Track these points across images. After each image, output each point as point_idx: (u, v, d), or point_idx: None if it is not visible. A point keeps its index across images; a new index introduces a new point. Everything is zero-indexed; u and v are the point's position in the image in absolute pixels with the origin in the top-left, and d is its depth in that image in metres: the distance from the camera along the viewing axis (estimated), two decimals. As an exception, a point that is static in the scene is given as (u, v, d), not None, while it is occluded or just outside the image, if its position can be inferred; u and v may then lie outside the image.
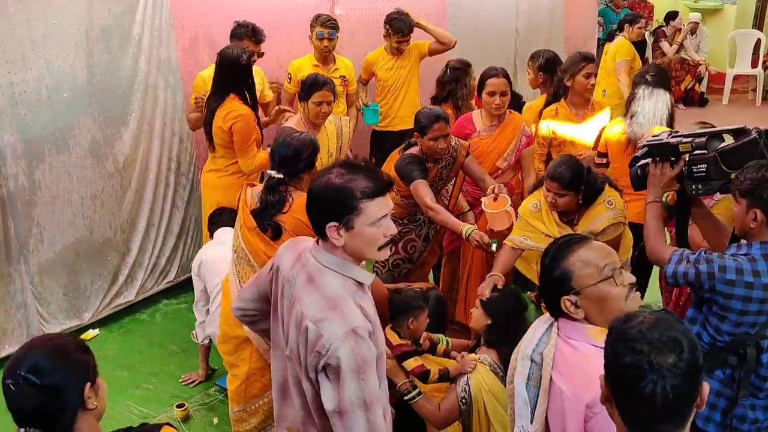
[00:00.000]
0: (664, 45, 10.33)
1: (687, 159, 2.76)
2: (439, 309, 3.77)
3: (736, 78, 10.74)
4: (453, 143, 4.02)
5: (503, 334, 2.92)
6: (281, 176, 3.10)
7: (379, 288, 3.09)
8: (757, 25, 12.02)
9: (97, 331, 4.78)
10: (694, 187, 2.77)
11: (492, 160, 4.22)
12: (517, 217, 3.67)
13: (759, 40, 10.99)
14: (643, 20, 6.88)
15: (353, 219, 2.04)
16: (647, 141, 2.92)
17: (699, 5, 11.70)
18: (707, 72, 10.37)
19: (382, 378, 2.22)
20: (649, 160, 2.89)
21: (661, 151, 2.83)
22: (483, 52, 7.15)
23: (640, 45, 7.73)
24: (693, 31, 10.48)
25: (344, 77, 5.23)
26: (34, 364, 1.75)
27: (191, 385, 4.24)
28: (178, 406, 3.96)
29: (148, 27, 4.56)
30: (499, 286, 3.22)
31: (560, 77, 4.47)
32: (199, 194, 5.03)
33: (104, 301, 4.78)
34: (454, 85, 4.74)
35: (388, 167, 4.06)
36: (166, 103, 4.77)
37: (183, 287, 5.19)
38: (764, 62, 10.60)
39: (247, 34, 4.58)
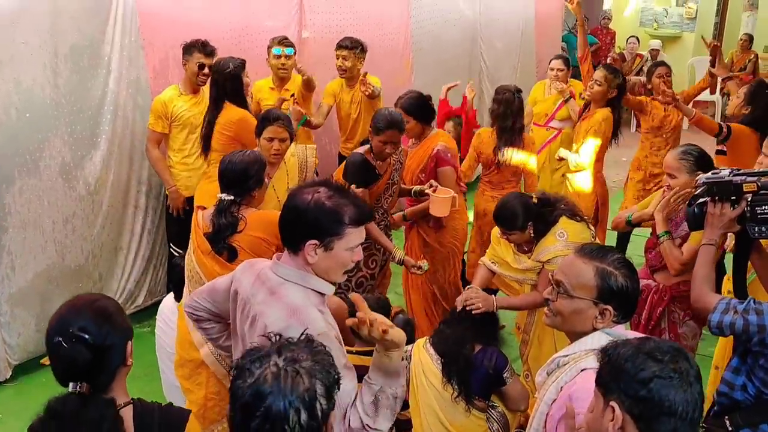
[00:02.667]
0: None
1: (749, 199, 2.58)
2: (408, 332, 3.80)
3: (696, 104, 10.98)
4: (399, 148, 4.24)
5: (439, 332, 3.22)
6: (231, 198, 3.11)
7: (341, 310, 3.11)
8: (715, 52, 12.37)
9: (56, 355, 4.67)
10: (757, 229, 2.57)
11: (410, 174, 4.38)
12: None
13: (717, 67, 11.30)
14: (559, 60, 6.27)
15: (335, 241, 2.08)
16: (707, 178, 2.72)
17: (659, 32, 12.05)
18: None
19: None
20: (708, 198, 2.69)
21: (721, 190, 2.63)
22: (449, 79, 7.27)
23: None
24: (653, 58, 10.77)
25: (294, 95, 5.19)
26: (84, 324, 1.88)
27: None
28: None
29: (118, 46, 4.52)
30: (474, 296, 3.33)
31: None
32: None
33: (72, 328, 4.67)
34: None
35: (339, 175, 4.20)
36: (135, 125, 4.73)
37: (147, 311, 5.08)
38: (722, 89, 10.92)
39: (196, 45, 4.57)
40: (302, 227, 2.09)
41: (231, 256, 3.08)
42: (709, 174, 2.74)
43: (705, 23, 12.18)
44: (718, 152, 5.00)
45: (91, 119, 4.46)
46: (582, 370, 1.95)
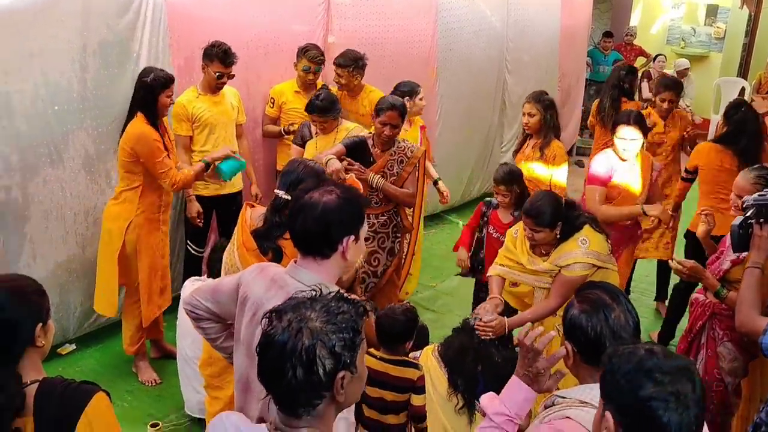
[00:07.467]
0: (644, 86, 10.56)
1: None
2: (422, 338, 3.79)
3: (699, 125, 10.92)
4: (411, 144, 4.38)
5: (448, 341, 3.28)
6: (289, 198, 3.07)
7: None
8: (742, 73, 12.29)
9: (73, 345, 4.70)
10: None
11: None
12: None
13: (743, 88, 11.20)
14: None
15: (360, 229, 2.14)
16: (754, 200, 2.75)
17: (686, 51, 11.94)
18: (692, 119, 10.54)
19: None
20: (753, 220, 2.72)
21: None
22: (473, 88, 7.31)
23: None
24: (681, 77, 10.67)
25: None
26: None
27: None
28: (152, 426, 3.88)
29: (146, 44, 4.58)
30: (497, 309, 3.40)
31: None
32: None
33: (89, 319, 4.71)
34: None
35: None
36: (159, 122, 4.77)
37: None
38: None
39: (218, 55, 4.52)
40: (339, 227, 2.12)
41: (276, 257, 3.03)
42: (755, 195, 2.75)
43: (734, 43, 12.07)
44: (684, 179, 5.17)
45: (117, 114, 4.49)
46: (566, 417, 1.92)
